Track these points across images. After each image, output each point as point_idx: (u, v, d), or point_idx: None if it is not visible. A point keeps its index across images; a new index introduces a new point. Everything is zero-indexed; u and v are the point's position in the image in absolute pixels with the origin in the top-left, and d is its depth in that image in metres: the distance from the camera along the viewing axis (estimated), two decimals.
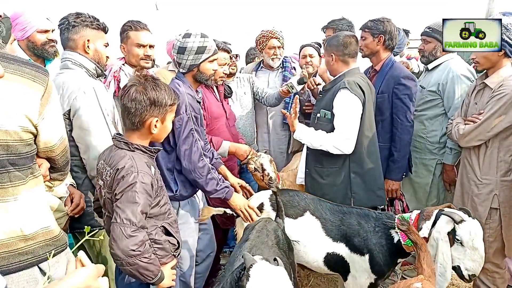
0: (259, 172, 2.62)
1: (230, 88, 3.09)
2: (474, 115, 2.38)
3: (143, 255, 1.47)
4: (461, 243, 1.75)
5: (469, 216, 1.80)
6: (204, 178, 2.14)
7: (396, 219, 1.99)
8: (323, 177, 2.50)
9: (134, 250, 1.44)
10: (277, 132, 3.39)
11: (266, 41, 3.28)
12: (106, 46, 2.17)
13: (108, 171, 1.59)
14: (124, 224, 1.45)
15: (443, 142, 2.91)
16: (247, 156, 2.71)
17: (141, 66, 2.59)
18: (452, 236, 1.78)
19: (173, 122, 1.88)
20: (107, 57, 2.21)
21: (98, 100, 2.00)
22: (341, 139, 2.34)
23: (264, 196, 2.35)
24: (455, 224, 1.77)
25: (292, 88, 2.96)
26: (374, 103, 2.57)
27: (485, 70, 2.42)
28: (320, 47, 3.52)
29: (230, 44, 2.99)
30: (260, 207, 2.28)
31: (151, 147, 1.68)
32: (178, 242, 1.76)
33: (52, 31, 2.51)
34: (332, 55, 2.51)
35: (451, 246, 1.78)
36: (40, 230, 1.29)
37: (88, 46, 2.08)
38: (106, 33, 2.17)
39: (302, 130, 2.46)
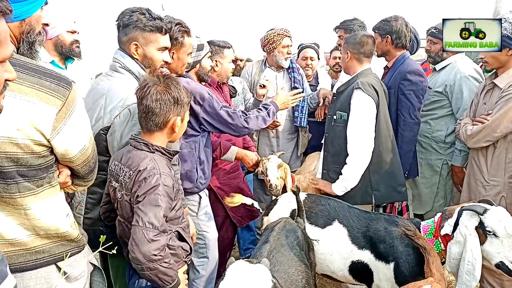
0: (264, 176, 2.64)
1: (235, 88, 3.10)
2: (482, 116, 2.36)
3: (163, 260, 1.44)
4: (494, 234, 1.61)
5: (491, 205, 1.69)
6: None
7: (421, 226, 1.91)
8: None
9: (155, 255, 1.40)
10: (285, 136, 3.40)
11: (280, 39, 3.25)
12: (163, 50, 1.87)
13: (127, 172, 1.54)
14: (147, 228, 1.41)
15: (449, 142, 2.89)
16: (254, 164, 2.74)
17: (182, 75, 2.28)
18: (482, 230, 1.64)
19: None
20: (166, 62, 1.90)
21: None
22: (358, 156, 2.35)
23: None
24: (480, 216, 1.65)
25: (267, 80, 2.97)
26: (387, 101, 2.58)
27: (495, 70, 2.40)
28: (319, 48, 3.60)
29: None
30: (293, 213, 2.23)
31: (170, 149, 1.64)
32: (190, 248, 1.73)
33: (78, 33, 2.64)
34: (348, 53, 2.54)
35: (484, 242, 1.65)
36: (55, 233, 1.30)
37: (136, 51, 1.82)
38: (165, 34, 1.85)
39: (337, 186, 2.44)
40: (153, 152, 1.56)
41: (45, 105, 1.16)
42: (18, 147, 1.15)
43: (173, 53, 2.15)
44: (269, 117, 2.41)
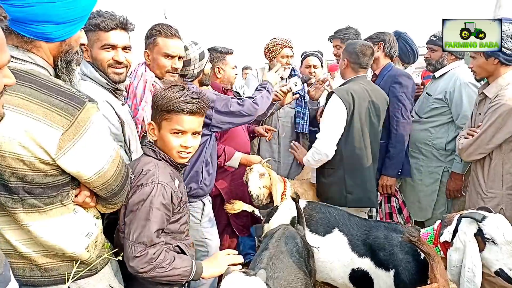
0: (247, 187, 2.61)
1: (239, 93, 3.13)
2: (472, 128, 2.36)
3: (158, 268, 1.41)
4: (492, 241, 1.62)
5: (490, 213, 1.70)
6: None
7: (421, 233, 1.91)
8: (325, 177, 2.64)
9: (144, 268, 1.39)
10: (286, 143, 3.41)
11: (280, 49, 3.26)
12: (109, 48, 1.76)
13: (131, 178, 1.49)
14: (135, 244, 1.39)
15: (450, 149, 2.89)
16: None
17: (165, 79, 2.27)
18: (481, 237, 1.65)
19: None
20: (117, 61, 1.76)
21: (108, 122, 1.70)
22: (319, 145, 2.48)
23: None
24: (478, 223, 1.66)
25: (295, 85, 2.97)
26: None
27: (486, 79, 2.40)
28: (322, 55, 3.63)
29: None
30: (293, 221, 2.24)
31: (179, 164, 1.59)
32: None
33: None
34: (345, 60, 2.63)
35: (483, 249, 1.66)
36: (61, 253, 1.27)
37: (87, 54, 1.76)
38: (109, 31, 1.74)
39: (306, 157, 2.62)
40: (160, 160, 1.54)
41: (51, 124, 1.13)
42: (24, 164, 1.13)
43: (146, 52, 2.14)
44: (270, 94, 2.50)
